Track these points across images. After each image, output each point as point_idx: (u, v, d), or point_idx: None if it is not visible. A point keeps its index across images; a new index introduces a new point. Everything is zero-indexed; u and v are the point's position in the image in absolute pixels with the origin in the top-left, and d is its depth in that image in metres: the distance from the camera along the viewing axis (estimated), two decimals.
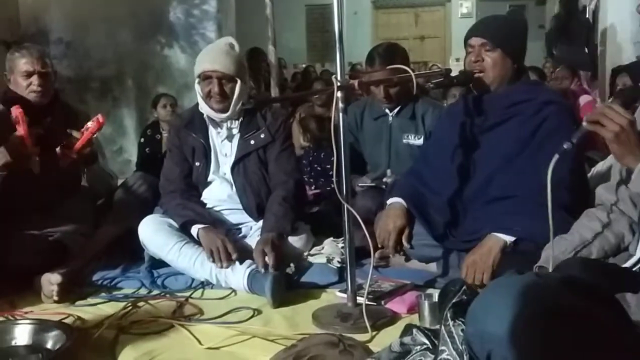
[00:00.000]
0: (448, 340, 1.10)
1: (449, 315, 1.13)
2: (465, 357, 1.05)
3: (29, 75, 2.41)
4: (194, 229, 2.31)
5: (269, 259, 2.17)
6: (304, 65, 9.83)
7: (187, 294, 2.19)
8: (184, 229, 2.34)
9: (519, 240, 1.97)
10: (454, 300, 1.16)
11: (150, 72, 5.37)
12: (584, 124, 1.48)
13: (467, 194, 2.19)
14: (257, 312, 2.01)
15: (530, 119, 2.11)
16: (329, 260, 2.38)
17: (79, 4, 5.31)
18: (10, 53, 2.48)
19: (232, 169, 2.47)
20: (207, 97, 2.39)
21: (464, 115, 2.24)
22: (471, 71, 2.13)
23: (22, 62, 2.41)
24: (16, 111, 2.21)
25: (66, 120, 2.36)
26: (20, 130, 2.19)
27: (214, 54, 2.40)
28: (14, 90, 2.43)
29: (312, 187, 3.53)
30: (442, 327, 1.13)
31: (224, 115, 2.43)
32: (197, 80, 2.43)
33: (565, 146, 1.51)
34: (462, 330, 1.08)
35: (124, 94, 5.42)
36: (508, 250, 1.98)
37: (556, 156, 1.50)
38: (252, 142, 2.47)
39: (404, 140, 2.75)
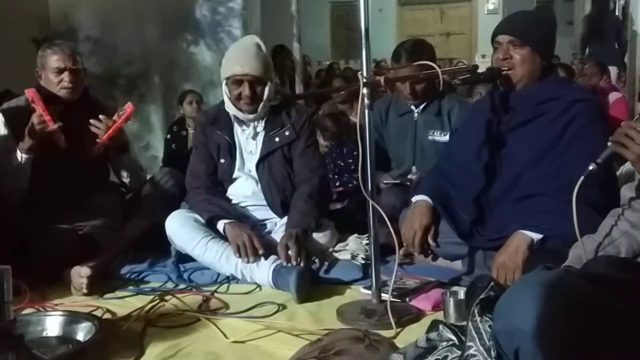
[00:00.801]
0: (475, 336, 1.10)
1: (476, 311, 1.12)
2: (492, 353, 1.04)
3: (60, 71, 2.44)
4: (220, 224, 2.34)
5: (292, 253, 2.18)
6: (328, 63, 9.84)
7: (213, 288, 2.22)
8: (210, 224, 2.36)
9: (547, 239, 1.95)
10: (481, 297, 1.15)
11: (177, 69, 5.43)
12: (609, 144, 1.47)
13: (493, 192, 2.16)
14: (282, 307, 2.02)
15: (559, 117, 2.08)
16: (354, 257, 2.38)
17: (107, 2, 5.39)
18: (42, 50, 2.52)
19: (257, 166, 2.48)
20: (237, 99, 2.39)
21: (491, 113, 2.21)
22: (498, 68, 2.10)
23: (54, 59, 2.45)
24: (30, 92, 2.26)
25: (95, 116, 2.40)
26: (38, 109, 2.25)
27: (244, 57, 2.38)
28: (45, 86, 2.47)
29: (337, 184, 3.54)
30: (470, 323, 1.13)
31: (252, 116, 2.44)
32: (225, 82, 2.42)
33: (590, 167, 1.50)
34: (490, 326, 1.07)
35: (151, 91, 5.49)
36: (535, 248, 1.96)
37: (582, 178, 1.48)
38: (277, 139, 2.48)
39: (430, 137, 2.73)
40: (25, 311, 1.92)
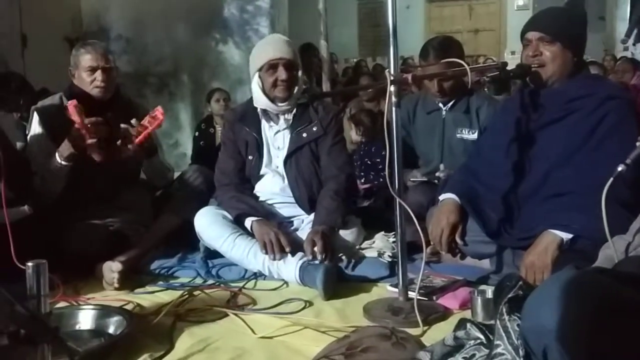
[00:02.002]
0: (503, 335, 1.09)
1: (504, 310, 1.12)
2: (521, 351, 1.04)
3: (93, 70, 2.48)
4: (248, 222, 2.36)
5: (318, 249, 2.19)
6: (355, 60, 9.82)
7: (241, 284, 2.24)
8: (238, 221, 2.39)
9: (577, 239, 1.92)
10: (509, 295, 1.14)
11: (205, 68, 5.49)
12: (638, 144, 1.44)
13: (522, 190, 2.14)
14: (309, 303, 2.04)
15: (591, 114, 2.05)
16: (380, 255, 2.38)
17: (138, 2, 5.48)
18: (75, 49, 2.55)
19: (285, 162, 2.50)
20: (273, 86, 2.42)
21: (520, 110, 2.19)
22: (528, 65, 2.08)
23: (87, 58, 2.48)
24: (70, 105, 2.30)
25: (127, 115, 2.43)
26: (76, 122, 2.29)
27: (277, 43, 2.45)
28: (79, 85, 2.51)
29: (362, 181, 3.54)
30: (498, 322, 1.12)
31: (284, 106, 2.46)
32: (257, 74, 2.45)
33: (619, 168, 1.47)
34: (518, 325, 1.07)
35: (180, 89, 5.56)
36: (565, 248, 1.93)
37: (611, 179, 1.46)
38: (305, 135, 2.49)
39: (458, 135, 2.71)
40: (58, 305, 1.96)
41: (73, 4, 5.66)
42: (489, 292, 1.79)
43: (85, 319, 1.82)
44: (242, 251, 2.31)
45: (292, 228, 2.53)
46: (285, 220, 2.55)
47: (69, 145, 2.32)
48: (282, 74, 2.39)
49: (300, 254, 2.28)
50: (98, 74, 2.48)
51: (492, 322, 1.19)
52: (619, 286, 0.95)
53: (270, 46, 2.46)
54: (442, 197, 2.25)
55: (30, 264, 1.08)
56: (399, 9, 1.90)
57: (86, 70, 2.47)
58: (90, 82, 2.48)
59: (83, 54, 2.49)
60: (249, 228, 2.36)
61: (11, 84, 3.85)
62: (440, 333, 1.67)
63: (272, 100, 2.45)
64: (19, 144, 2.87)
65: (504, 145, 2.20)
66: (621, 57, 7.02)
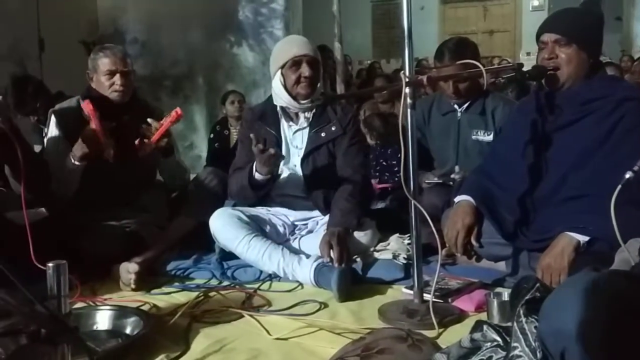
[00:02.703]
0: (521, 337, 1.09)
1: (522, 312, 1.11)
2: (538, 354, 1.03)
3: (111, 74, 2.50)
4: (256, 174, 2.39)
5: (334, 253, 2.20)
6: (369, 62, 9.82)
7: (256, 285, 2.25)
8: (253, 184, 2.40)
9: (593, 241, 1.91)
10: (527, 297, 1.14)
11: (220, 70, 5.52)
12: None
13: (539, 192, 2.13)
14: (324, 305, 2.04)
15: (607, 116, 2.03)
16: (395, 257, 2.38)
17: (153, 6, 5.53)
18: (93, 53, 2.57)
19: (302, 161, 2.50)
20: (296, 83, 2.43)
21: (536, 112, 2.17)
22: (544, 66, 2.07)
23: (106, 62, 2.50)
24: (87, 107, 2.33)
25: (143, 117, 2.45)
26: (92, 124, 2.32)
27: (300, 41, 2.50)
28: (97, 88, 2.53)
29: (376, 181, 3.54)
30: (515, 324, 1.12)
31: (305, 103, 2.46)
32: (279, 71, 2.45)
33: (627, 175, 1.46)
34: (535, 327, 1.06)
35: (195, 92, 5.60)
36: (582, 250, 1.92)
37: (619, 186, 1.45)
38: (323, 134, 2.50)
39: (473, 137, 2.70)
40: (76, 305, 1.98)
41: (89, 8, 5.73)
42: (505, 294, 1.78)
43: (102, 320, 1.84)
44: (257, 253, 2.32)
45: (307, 230, 2.54)
46: (299, 222, 2.55)
47: (83, 145, 2.35)
48: (305, 70, 2.41)
49: (315, 255, 2.29)
50: (117, 78, 2.50)
51: (509, 324, 1.18)
52: (637, 288, 0.94)
53: (293, 44, 2.49)
54: (457, 199, 2.24)
55: (50, 264, 1.10)
56: (413, 10, 1.90)
57: (105, 74, 2.50)
58: (109, 85, 2.51)
59: (102, 58, 2.52)
60: (259, 175, 2.38)
61: (28, 88, 3.90)
62: (455, 335, 1.66)
63: (294, 97, 2.46)
64: (36, 147, 2.91)
65: (520, 147, 2.19)
66: (639, 57, 6.95)
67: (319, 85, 2.49)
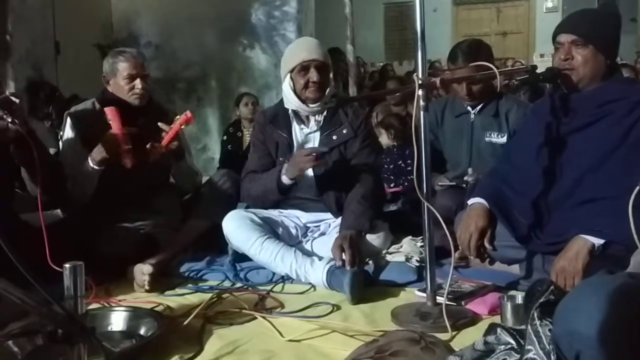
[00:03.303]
0: (535, 339, 1.08)
1: (536, 314, 1.11)
2: (552, 357, 1.03)
3: (131, 78, 2.52)
4: (284, 177, 2.40)
5: (346, 256, 2.20)
6: (381, 64, 9.81)
7: (269, 287, 2.25)
8: (280, 187, 2.42)
9: (608, 244, 1.89)
10: (540, 300, 1.13)
11: (233, 73, 5.55)
12: None
13: (553, 195, 2.11)
14: (336, 307, 2.04)
15: (623, 118, 2.01)
16: (408, 259, 2.37)
17: (167, 9, 5.57)
18: (111, 57, 2.58)
19: None
20: (304, 87, 2.44)
21: (551, 114, 2.16)
22: (559, 68, 2.05)
23: (125, 66, 2.51)
24: (111, 113, 2.36)
25: (158, 120, 2.47)
26: (115, 128, 2.35)
27: (310, 45, 2.49)
28: (114, 92, 2.55)
29: (392, 185, 3.53)
30: (529, 327, 1.11)
31: (315, 107, 2.47)
32: (289, 75, 2.47)
33: None
34: (550, 330, 1.06)
35: (208, 94, 5.63)
36: (597, 253, 1.90)
37: (637, 188, 1.44)
38: (335, 137, 2.51)
39: (487, 139, 2.69)
40: (91, 306, 2.00)
41: (104, 12, 5.78)
42: (519, 297, 1.77)
43: (117, 320, 1.85)
44: (270, 254, 2.33)
45: (319, 232, 2.54)
46: (311, 224, 2.56)
47: (102, 150, 2.37)
48: (313, 75, 2.42)
49: (327, 257, 2.29)
50: (137, 82, 2.52)
51: (523, 327, 1.18)
52: None
53: (302, 48, 2.49)
54: (470, 201, 2.23)
55: (67, 265, 1.11)
56: (425, 12, 1.90)
57: (125, 78, 2.51)
58: (128, 89, 2.52)
59: (121, 62, 2.53)
60: (286, 178, 2.39)
61: (39, 94, 3.95)
62: (469, 338, 1.65)
63: (304, 101, 2.47)
64: (51, 150, 2.94)
65: (534, 149, 2.18)
66: None
67: (331, 87, 2.49)
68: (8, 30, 4.27)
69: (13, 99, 1.98)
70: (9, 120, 1.89)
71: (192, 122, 2.52)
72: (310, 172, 2.51)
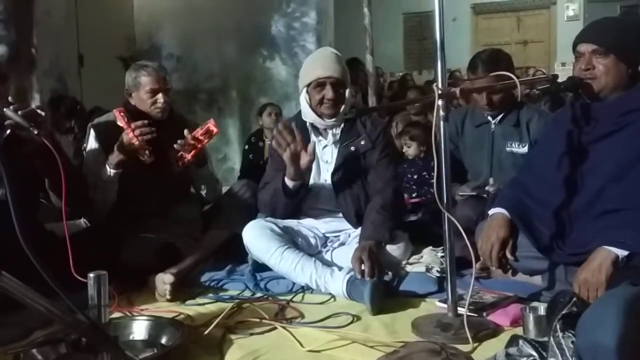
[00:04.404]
0: (557, 352, 1.07)
1: (558, 326, 1.10)
2: None
3: (154, 92, 2.56)
4: (289, 182, 2.40)
5: (365, 267, 2.19)
6: (400, 74, 9.81)
7: (289, 297, 2.26)
8: (287, 192, 2.42)
9: (632, 255, 1.86)
10: (563, 312, 1.12)
11: (253, 84, 5.59)
12: None
13: (575, 205, 2.08)
14: (356, 318, 2.03)
15: None
16: (428, 270, 2.36)
17: (189, 22, 5.64)
18: (134, 70, 2.62)
19: (333, 175, 2.51)
20: (319, 104, 2.46)
21: (572, 124, 2.14)
22: (580, 77, 2.03)
23: (148, 81, 2.56)
24: (117, 112, 2.41)
25: (180, 131, 2.49)
26: (124, 125, 2.38)
27: (326, 61, 2.48)
28: (137, 105, 2.59)
29: (414, 195, 3.51)
30: (551, 338, 1.10)
31: (331, 122, 2.49)
32: (305, 90, 2.50)
33: None
34: (572, 342, 1.04)
35: (229, 105, 5.68)
36: (620, 265, 1.87)
37: None
38: (353, 148, 2.51)
39: (507, 148, 2.67)
40: (113, 315, 2.02)
41: (127, 25, 5.88)
42: (541, 309, 1.75)
43: (139, 330, 1.86)
44: (290, 264, 2.33)
45: (339, 243, 2.54)
46: (331, 234, 2.56)
47: (118, 153, 2.41)
48: (328, 92, 2.43)
49: (347, 267, 2.29)
50: (160, 97, 2.56)
51: (545, 339, 1.16)
52: None
53: (319, 64, 2.49)
54: (491, 211, 2.21)
55: (91, 274, 1.13)
56: (445, 22, 1.90)
57: (147, 92, 2.56)
58: (151, 103, 2.57)
59: (144, 76, 2.57)
60: (289, 182, 2.39)
61: (60, 108, 4.02)
62: (490, 350, 1.64)
63: (320, 115, 2.48)
64: (74, 162, 2.98)
65: (555, 159, 2.15)
66: None
67: (348, 99, 2.49)
68: (34, 44, 4.36)
69: (39, 111, 2.03)
70: (35, 132, 1.93)
71: (217, 135, 2.54)
72: (328, 180, 2.51)
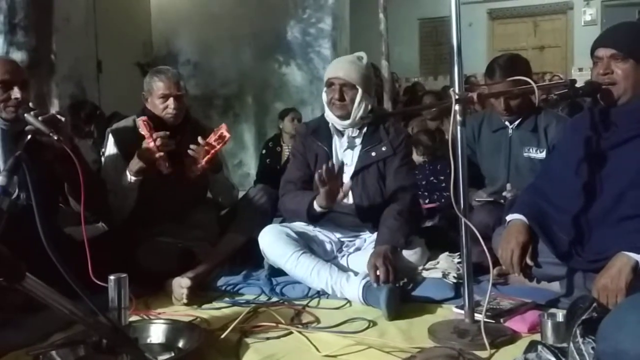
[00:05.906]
0: (577, 357, 1.06)
1: (578, 332, 1.09)
2: None
3: (165, 98, 2.58)
4: (317, 207, 2.38)
5: (380, 272, 2.19)
6: (415, 79, 9.80)
7: (304, 302, 2.26)
8: (310, 215, 2.41)
9: None
10: (583, 317, 1.11)
11: (269, 90, 5.62)
12: None
13: (594, 211, 2.06)
14: (372, 323, 2.03)
15: None
16: (445, 275, 2.35)
17: (205, 28, 5.69)
18: (149, 76, 2.66)
19: (352, 178, 2.51)
20: (330, 103, 2.51)
21: (590, 129, 2.12)
22: (598, 82, 2.02)
23: (160, 86, 2.58)
24: (140, 121, 2.44)
25: (195, 137, 2.51)
26: (145, 134, 2.41)
27: (339, 63, 2.56)
28: (152, 110, 2.62)
29: (426, 201, 3.51)
30: (571, 344, 1.09)
31: (346, 123, 2.51)
32: (324, 89, 2.56)
33: None
34: (593, 348, 1.03)
35: (244, 111, 5.71)
36: None
37: None
38: (374, 153, 2.52)
39: (525, 154, 2.65)
40: (131, 318, 2.04)
41: (145, 31, 5.95)
42: (560, 315, 1.73)
43: (156, 333, 1.87)
44: (306, 269, 2.34)
45: (355, 247, 2.54)
46: (346, 239, 2.56)
47: (138, 160, 2.44)
48: (335, 93, 2.48)
49: (363, 273, 2.28)
50: (170, 102, 2.58)
51: (564, 344, 1.15)
52: None
53: (332, 64, 2.59)
54: (509, 217, 2.19)
55: (112, 277, 1.14)
56: (461, 27, 1.90)
57: (159, 97, 2.58)
58: (162, 108, 2.59)
59: (156, 82, 2.60)
60: (319, 208, 2.37)
61: (81, 113, 4.06)
62: (508, 356, 1.63)
63: (334, 114, 2.53)
64: (93, 167, 3.01)
65: (574, 164, 2.14)
66: None
67: (365, 104, 2.49)
68: (53, 50, 4.41)
69: (59, 117, 2.05)
70: (55, 138, 1.95)
71: (229, 140, 2.56)
72: (351, 198, 2.50)
